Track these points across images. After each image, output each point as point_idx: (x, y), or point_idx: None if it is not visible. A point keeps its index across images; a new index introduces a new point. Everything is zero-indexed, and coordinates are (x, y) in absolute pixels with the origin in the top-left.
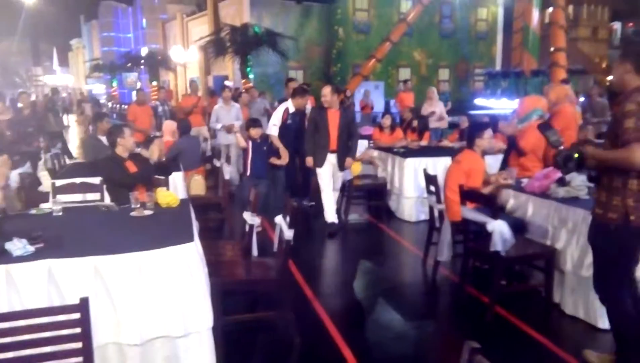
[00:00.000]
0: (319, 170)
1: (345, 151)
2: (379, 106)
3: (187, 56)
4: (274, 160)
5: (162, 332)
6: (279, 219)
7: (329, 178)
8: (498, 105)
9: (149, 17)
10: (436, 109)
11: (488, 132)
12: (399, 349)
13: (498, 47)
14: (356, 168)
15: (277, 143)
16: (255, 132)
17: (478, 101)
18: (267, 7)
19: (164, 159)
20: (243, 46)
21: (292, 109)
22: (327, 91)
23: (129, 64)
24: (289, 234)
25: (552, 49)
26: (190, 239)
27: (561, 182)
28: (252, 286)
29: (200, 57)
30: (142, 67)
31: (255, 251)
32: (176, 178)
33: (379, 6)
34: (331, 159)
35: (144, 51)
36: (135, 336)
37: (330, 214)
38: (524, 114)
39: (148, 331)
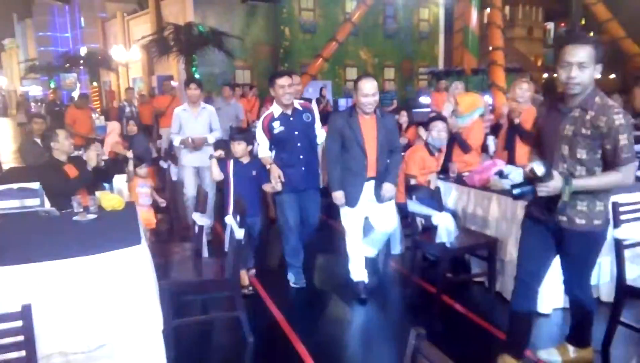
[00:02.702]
0: (347, 210)
1: (384, 174)
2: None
3: (129, 55)
4: (266, 187)
5: (111, 338)
6: (229, 219)
7: (359, 221)
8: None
9: (87, 16)
10: None
11: (432, 125)
12: (352, 341)
13: (440, 47)
14: None
15: (268, 163)
16: (240, 148)
17: (422, 99)
18: (211, 6)
19: (102, 165)
20: (188, 45)
21: (278, 112)
22: (373, 85)
23: (68, 65)
24: (239, 233)
25: (490, 48)
26: (137, 242)
27: (500, 175)
28: (203, 287)
29: (143, 56)
30: (81, 67)
31: (205, 252)
32: (121, 181)
33: (324, 6)
34: (368, 190)
35: (82, 51)
36: (82, 343)
37: (359, 271)
38: (467, 113)
39: (96, 338)
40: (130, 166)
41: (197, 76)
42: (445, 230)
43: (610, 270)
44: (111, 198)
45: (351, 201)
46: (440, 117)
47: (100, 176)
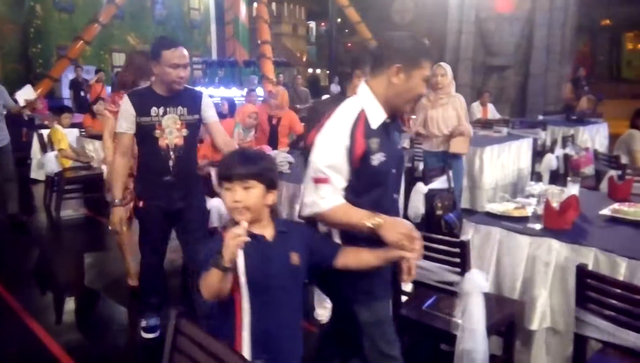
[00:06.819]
0: None
1: None
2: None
3: None
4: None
5: None
6: None
7: None
8: (217, 93)
9: None
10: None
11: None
12: (110, 333)
13: (212, 37)
14: (66, 162)
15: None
16: (250, 198)
17: (198, 89)
18: None
19: None
20: None
21: (379, 118)
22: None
23: None
24: None
25: (259, 41)
26: None
27: None
28: None
29: None
30: None
31: None
32: None
33: None
34: None
35: None
36: None
37: None
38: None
39: None
40: None
41: None
42: (217, 214)
43: None
44: None
45: None
46: None
47: None
